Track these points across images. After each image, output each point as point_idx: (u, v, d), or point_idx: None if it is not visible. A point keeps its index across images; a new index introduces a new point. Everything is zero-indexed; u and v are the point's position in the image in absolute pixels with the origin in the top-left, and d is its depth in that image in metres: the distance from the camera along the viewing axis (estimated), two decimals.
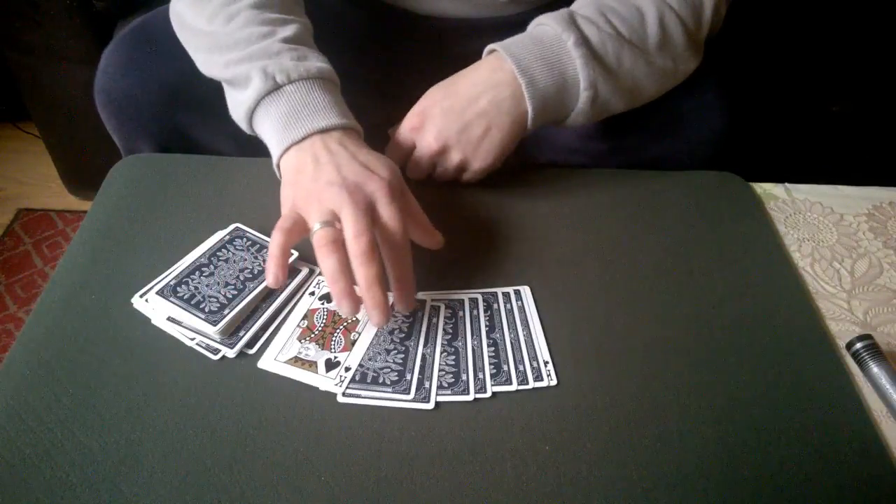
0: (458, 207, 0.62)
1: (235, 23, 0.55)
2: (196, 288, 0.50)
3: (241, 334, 0.49)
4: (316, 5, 0.63)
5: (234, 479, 0.41)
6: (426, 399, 0.46)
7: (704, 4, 0.59)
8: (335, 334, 0.50)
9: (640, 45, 0.57)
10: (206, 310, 0.49)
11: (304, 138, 0.52)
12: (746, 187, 0.67)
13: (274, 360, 0.48)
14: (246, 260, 0.53)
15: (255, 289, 0.51)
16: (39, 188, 1.56)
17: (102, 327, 0.49)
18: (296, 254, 0.54)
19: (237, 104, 0.55)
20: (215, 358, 0.48)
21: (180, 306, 0.49)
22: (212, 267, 0.52)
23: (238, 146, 0.66)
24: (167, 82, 0.64)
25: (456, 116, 0.57)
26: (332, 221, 0.48)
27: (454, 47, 0.74)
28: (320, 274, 0.54)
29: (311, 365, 0.48)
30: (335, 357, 0.48)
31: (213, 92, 0.59)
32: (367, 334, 0.50)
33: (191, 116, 0.66)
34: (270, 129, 0.53)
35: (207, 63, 0.57)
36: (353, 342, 0.49)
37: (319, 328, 0.50)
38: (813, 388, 0.49)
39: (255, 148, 0.58)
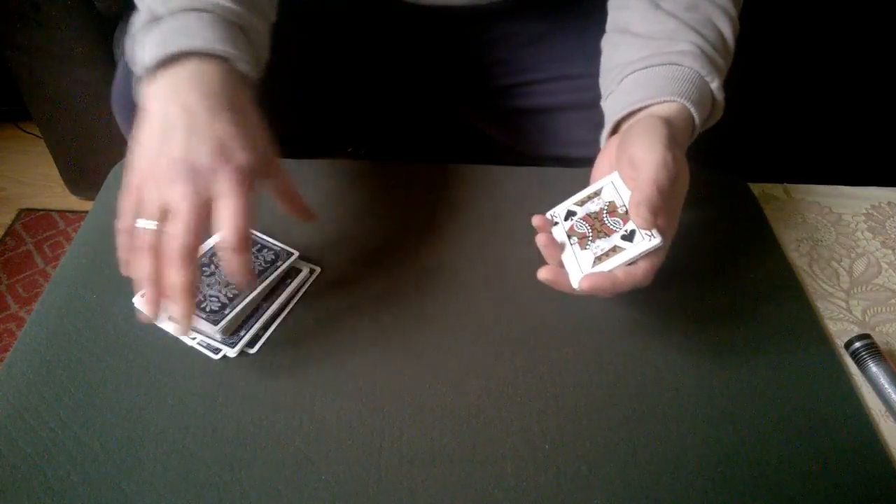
0: (456, 206, 0.62)
1: None
2: (197, 288, 0.51)
3: (241, 334, 0.49)
4: (313, 5, 0.63)
5: (234, 478, 0.42)
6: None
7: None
8: (605, 221, 0.49)
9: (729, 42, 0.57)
10: (207, 309, 0.49)
11: (175, 57, 0.46)
12: (745, 187, 0.67)
13: (593, 270, 0.46)
14: None
15: (255, 288, 0.51)
16: (41, 188, 1.56)
17: (104, 327, 0.49)
18: (296, 253, 0.54)
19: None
20: (216, 357, 0.48)
21: None
22: (212, 267, 0.52)
23: None
24: None
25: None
26: (159, 219, 0.44)
27: (453, 36, 0.74)
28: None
29: (614, 250, 0.46)
30: (627, 230, 0.47)
31: None
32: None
33: None
34: (143, 57, 0.48)
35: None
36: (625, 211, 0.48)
37: (588, 232, 0.49)
38: (811, 388, 0.49)
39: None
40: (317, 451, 0.43)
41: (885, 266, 0.60)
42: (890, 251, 0.61)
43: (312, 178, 0.63)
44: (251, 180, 0.46)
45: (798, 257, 0.60)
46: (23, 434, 0.43)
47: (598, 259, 0.46)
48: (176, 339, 0.49)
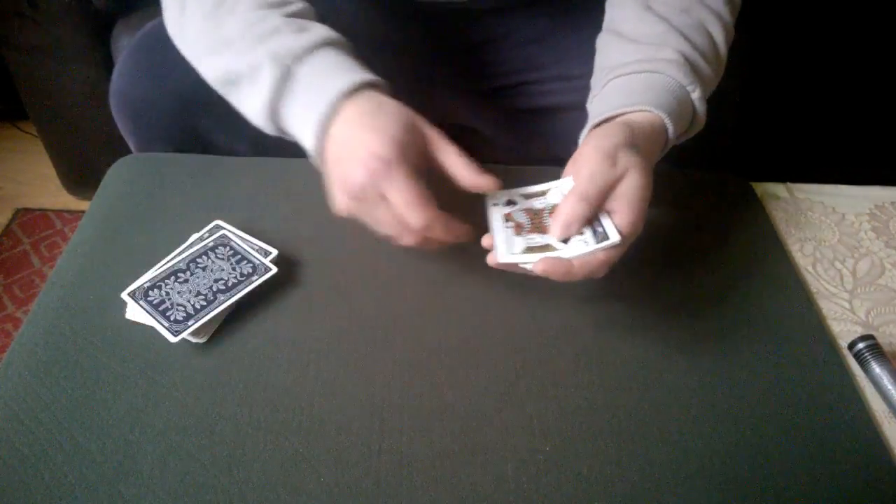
0: (454, 206, 0.61)
1: (236, 16, 0.52)
2: (167, 294, 0.50)
3: (189, 323, 0.48)
4: (321, 6, 0.63)
5: (232, 479, 0.41)
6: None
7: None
8: (544, 221, 0.49)
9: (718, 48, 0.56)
10: (172, 318, 0.48)
11: (332, 109, 0.48)
12: (748, 187, 0.66)
13: (511, 255, 0.47)
14: (224, 270, 0.52)
15: (224, 301, 0.50)
16: (37, 188, 1.56)
17: (100, 328, 0.49)
18: (274, 252, 0.54)
19: (254, 100, 0.51)
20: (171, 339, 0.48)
21: (147, 311, 0.49)
22: (188, 273, 0.52)
23: (255, 149, 0.66)
24: (183, 86, 0.63)
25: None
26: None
27: (452, 35, 0.73)
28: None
29: (547, 246, 0.46)
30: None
31: None
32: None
33: (207, 120, 0.65)
34: (298, 113, 0.50)
35: (214, 66, 0.53)
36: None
37: (527, 224, 0.49)
38: (815, 389, 0.49)
39: (271, 151, 0.56)
40: (315, 452, 0.43)
41: (888, 266, 0.60)
42: (894, 251, 0.61)
43: (312, 176, 0.63)
44: (393, 168, 0.46)
45: (801, 257, 0.60)
46: (19, 436, 0.42)
47: (530, 249, 0.46)
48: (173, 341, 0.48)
